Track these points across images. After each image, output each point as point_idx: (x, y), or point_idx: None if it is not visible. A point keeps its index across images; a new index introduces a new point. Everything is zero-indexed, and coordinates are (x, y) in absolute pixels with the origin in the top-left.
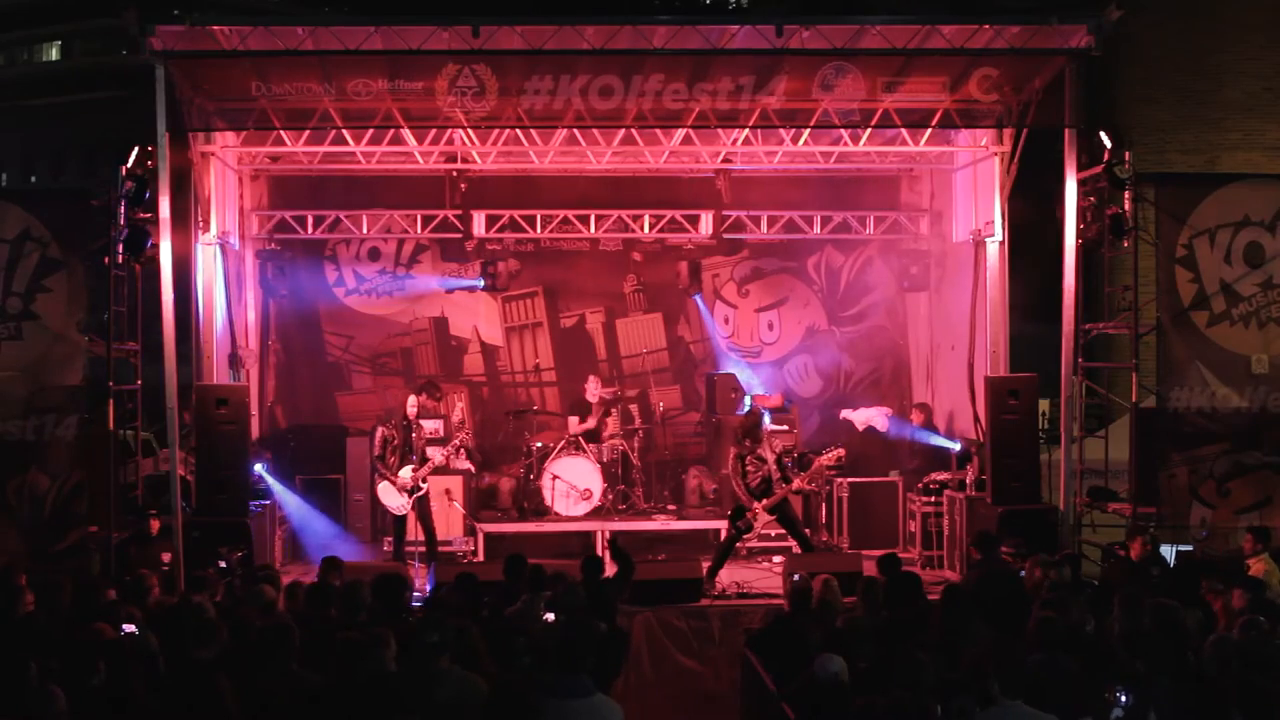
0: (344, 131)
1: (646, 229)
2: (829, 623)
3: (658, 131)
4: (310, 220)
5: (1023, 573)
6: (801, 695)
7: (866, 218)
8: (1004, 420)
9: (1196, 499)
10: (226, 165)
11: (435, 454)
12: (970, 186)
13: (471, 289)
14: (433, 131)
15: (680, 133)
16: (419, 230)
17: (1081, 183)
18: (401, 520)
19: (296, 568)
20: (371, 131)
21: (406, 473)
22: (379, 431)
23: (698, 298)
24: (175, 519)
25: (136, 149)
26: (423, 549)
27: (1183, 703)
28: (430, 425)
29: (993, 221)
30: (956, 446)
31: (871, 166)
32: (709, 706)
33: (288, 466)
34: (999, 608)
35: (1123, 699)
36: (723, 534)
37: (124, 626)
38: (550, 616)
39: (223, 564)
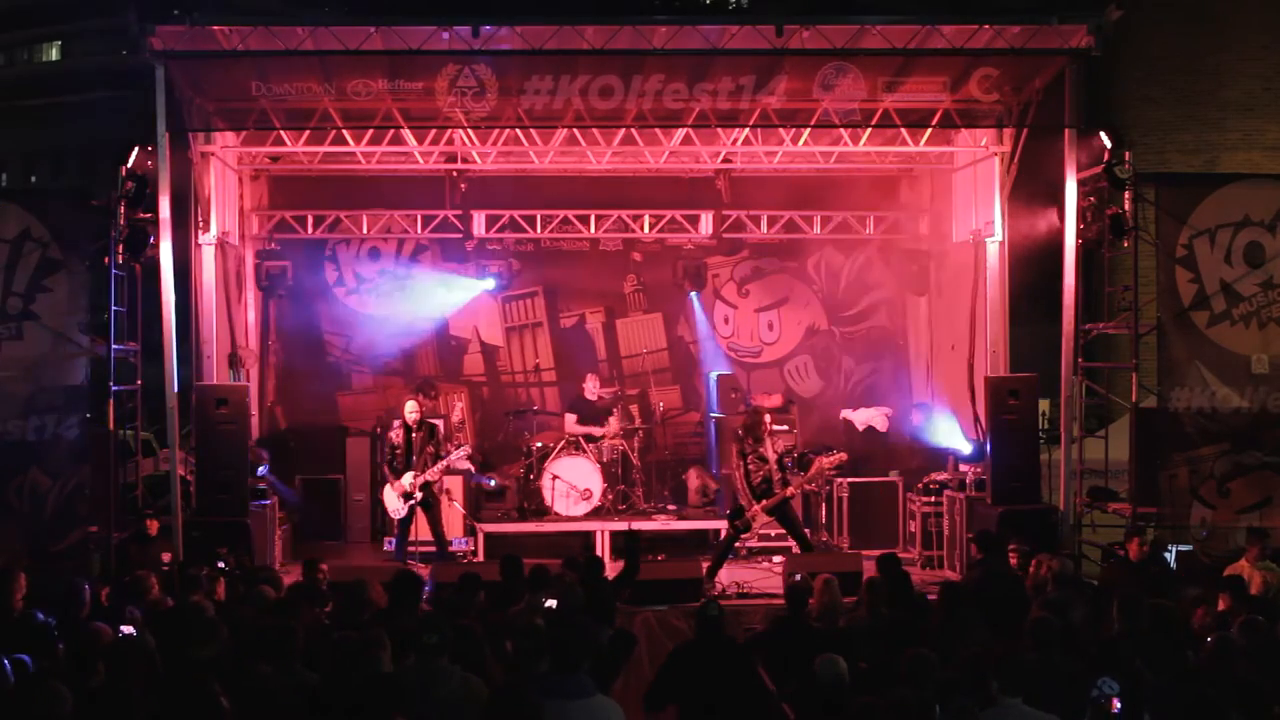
0: (344, 131)
1: (646, 229)
2: (829, 623)
3: (658, 131)
4: (310, 220)
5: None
6: (801, 695)
7: (866, 218)
8: (1004, 420)
9: (1197, 499)
10: (226, 165)
11: (436, 467)
12: (970, 186)
13: (478, 287)
14: (433, 131)
15: (680, 133)
16: (419, 230)
17: (1081, 183)
18: (403, 522)
19: (298, 567)
20: (371, 131)
21: (408, 479)
22: (390, 432)
23: (694, 295)
24: (175, 519)
25: (136, 149)
26: (423, 549)
27: (1180, 702)
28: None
29: (993, 221)
30: (968, 449)
31: (871, 166)
32: None
33: (288, 466)
34: (999, 607)
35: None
36: (723, 534)
37: (122, 628)
38: (552, 603)
39: (221, 564)
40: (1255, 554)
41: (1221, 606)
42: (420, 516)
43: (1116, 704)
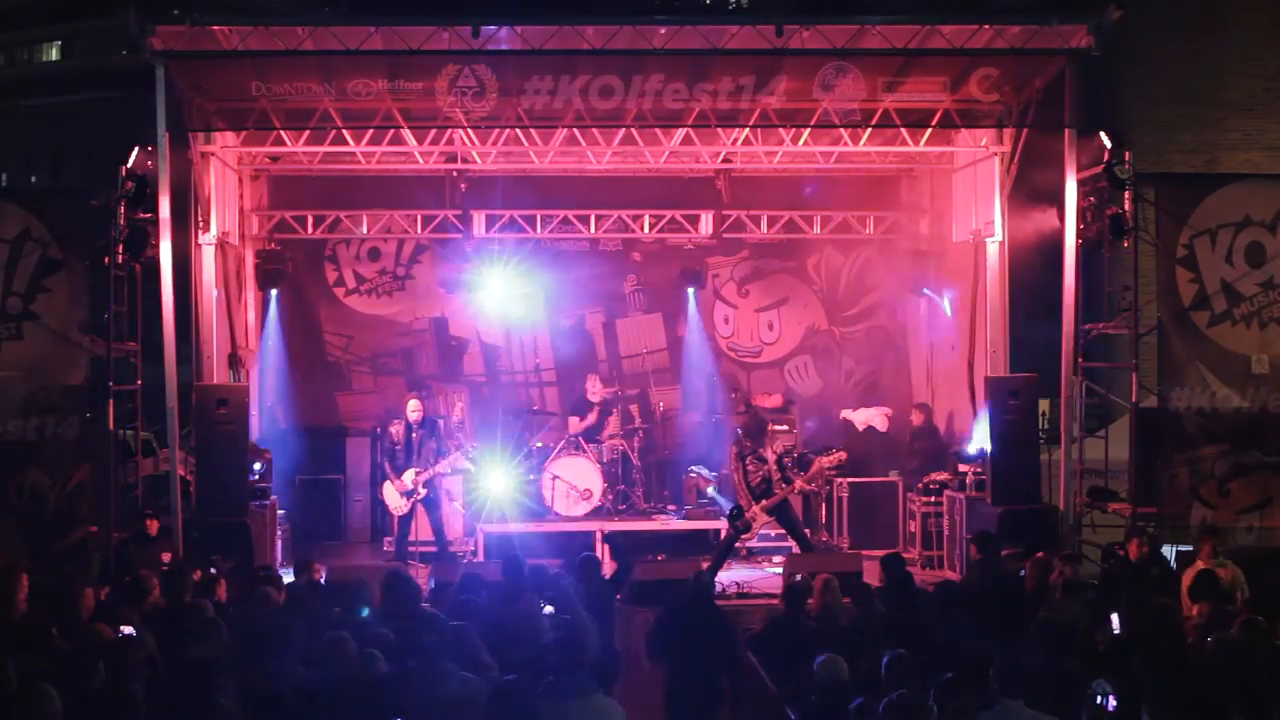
0: (344, 131)
1: (646, 229)
2: (829, 623)
3: (658, 131)
4: (310, 220)
5: (1023, 572)
6: (801, 695)
7: (866, 218)
8: (1004, 420)
9: (1197, 499)
10: (226, 165)
11: (442, 462)
12: (970, 186)
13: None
14: (433, 131)
15: (680, 133)
16: (419, 230)
17: (1081, 183)
18: (404, 520)
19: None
20: (371, 131)
21: (409, 475)
22: (390, 429)
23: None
24: (175, 519)
25: (136, 149)
26: (423, 549)
27: (1180, 702)
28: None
29: (993, 221)
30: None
31: (871, 166)
32: None
33: (288, 466)
34: (999, 608)
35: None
36: (723, 534)
37: (122, 628)
38: (549, 609)
39: (214, 570)
40: (1208, 552)
41: (1195, 612)
42: (421, 515)
43: (1113, 701)
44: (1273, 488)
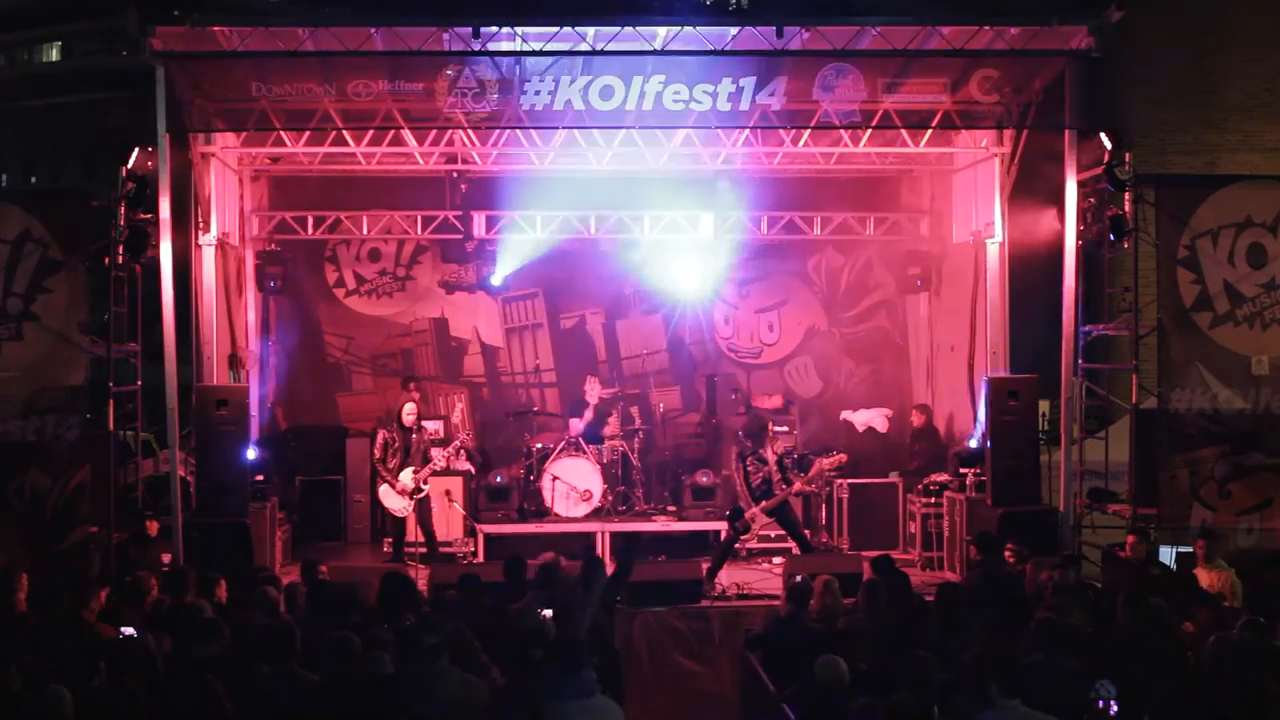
0: (344, 132)
1: (646, 229)
2: (829, 623)
3: (658, 132)
4: (310, 220)
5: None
6: (801, 695)
7: (866, 218)
8: (1004, 420)
9: (1197, 500)
10: (227, 166)
11: (436, 455)
12: (970, 187)
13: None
14: (433, 132)
15: (681, 133)
16: (419, 231)
17: (1082, 184)
18: (401, 521)
19: (297, 568)
20: (372, 132)
21: (407, 475)
22: (379, 434)
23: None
24: (175, 519)
25: (136, 149)
26: (422, 550)
27: (1179, 702)
28: (431, 426)
29: (993, 222)
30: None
31: (871, 167)
32: (709, 707)
33: (288, 467)
34: (999, 608)
35: (1111, 703)
36: (723, 535)
37: (122, 628)
38: (548, 613)
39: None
40: (1202, 554)
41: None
42: (410, 516)
43: (1114, 706)
44: (1274, 489)
